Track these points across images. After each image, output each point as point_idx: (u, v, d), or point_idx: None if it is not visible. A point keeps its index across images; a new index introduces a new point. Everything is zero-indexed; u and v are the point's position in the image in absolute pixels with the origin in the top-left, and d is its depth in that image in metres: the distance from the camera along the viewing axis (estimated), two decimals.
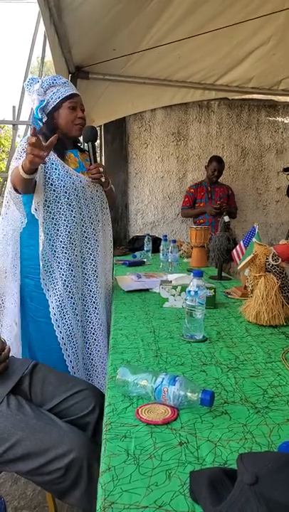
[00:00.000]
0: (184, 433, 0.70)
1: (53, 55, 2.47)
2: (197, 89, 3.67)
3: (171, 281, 1.64)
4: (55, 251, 1.56)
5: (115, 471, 0.61)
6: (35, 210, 1.53)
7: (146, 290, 1.86)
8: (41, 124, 1.62)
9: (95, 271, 1.68)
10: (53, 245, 1.55)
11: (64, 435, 0.99)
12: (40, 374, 1.21)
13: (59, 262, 1.56)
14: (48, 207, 1.55)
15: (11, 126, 4.65)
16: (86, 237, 1.66)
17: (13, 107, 4.45)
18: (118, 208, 4.27)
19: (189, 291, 1.14)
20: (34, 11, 3.10)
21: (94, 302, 1.68)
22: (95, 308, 1.68)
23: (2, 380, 1.12)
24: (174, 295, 1.56)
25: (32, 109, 1.61)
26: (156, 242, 3.18)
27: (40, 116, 1.56)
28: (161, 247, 2.62)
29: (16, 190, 1.55)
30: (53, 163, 1.56)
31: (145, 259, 2.79)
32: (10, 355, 1.19)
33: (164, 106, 4.10)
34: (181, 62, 3.19)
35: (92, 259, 1.68)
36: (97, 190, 1.72)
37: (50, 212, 1.55)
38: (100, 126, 4.14)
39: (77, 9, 2.17)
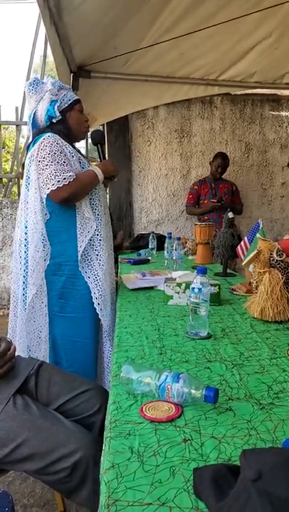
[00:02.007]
0: (188, 430, 0.70)
1: (55, 55, 2.47)
2: (200, 85, 3.65)
3: (175, 279, 1.64)
4: (93, 244, 1.60)
5: (119, 469, 0.61)
6: (80, 205, 1.57)
7: (151, 288, 1.86)
8: (41, 124, 1.62)
9: (112, 262, 1.75)
10: (91, 238, 1.59)
11: (70, 435, 0.99)
12: (45, 374, 1.22)
13: (97, 254, 1.61)
14: (87, 201, 1.60)
15: (15, 126, 4.67)
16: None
17: (16, 107, 4.47)
18: (122, 207, 4.27)
19: (193, 288, 1.13)
20: (35, 11, 3.09)
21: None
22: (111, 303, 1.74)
23: (8, 380, 1.12)
24: (178, 292, 1.55)
25: (35, 108, 1.61)
26: (160, 239, 3.17)
27: (56, 114, 1.59)
28: (165, 245, 2.61)
29: (68, 200, 1.53)
30: (80, 162, 1.60)
31: (150, 257, 2.78)
32: (16, 354, 1.19)
33: (166, 103, 4.08)
34: (183, 58, 3.18)
35: (110, 251, 1.73)
36: (104, 190, 1.77)
37: (87, 206, 1.60)
38: (103, 125, 4.14)
39: (77, 9, 2.17)
